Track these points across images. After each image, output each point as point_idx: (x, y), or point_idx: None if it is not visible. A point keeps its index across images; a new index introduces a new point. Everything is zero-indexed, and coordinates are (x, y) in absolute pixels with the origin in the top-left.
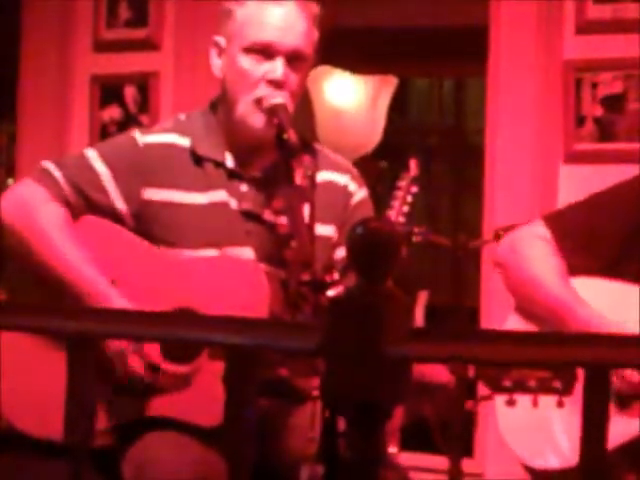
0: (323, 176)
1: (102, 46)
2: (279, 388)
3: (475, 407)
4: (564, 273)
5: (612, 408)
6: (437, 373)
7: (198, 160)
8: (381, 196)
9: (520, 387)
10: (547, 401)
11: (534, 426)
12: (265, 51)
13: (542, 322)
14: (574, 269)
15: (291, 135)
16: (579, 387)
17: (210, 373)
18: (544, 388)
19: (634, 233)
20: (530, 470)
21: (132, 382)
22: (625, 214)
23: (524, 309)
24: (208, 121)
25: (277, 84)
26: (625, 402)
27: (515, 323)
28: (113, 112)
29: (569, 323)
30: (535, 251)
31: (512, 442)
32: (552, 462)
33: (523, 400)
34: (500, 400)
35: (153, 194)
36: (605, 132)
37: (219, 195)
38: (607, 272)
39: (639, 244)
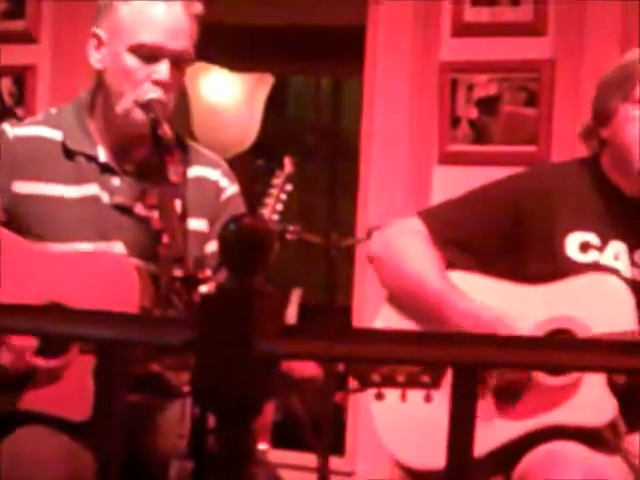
0: (195, 171)
1: None
2: (150, 383)
3: (345, 401)
4: (441, 266)
5: (500, 407)
6: (305, 367)
7: (69, 154)
8: (257, 194)
9: (389, 382)
10: (420, 399)
11: (411, 425)
12: (152, 52)
13: (417, 314)
14: (450, 264)
15: (166, 130)
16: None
17: (81, 367)
18: (413, 383)
19: (507, 232)
20: (408, 471)
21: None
22: (498, 212)
23: (398, 301)
24: (80, 114)
25: (163, 85)
26: (516, 396)
27: (388, 314)
28: None
29: (449, 316)
30: (411, 245)
31: (389, 442)
32: (431, 462)
33: (397, 400)
34: (374, 401)
35: (23, 187)
36: (479, 134)
37: (90, 189)
38: (481, 268)
39: (511, 243)
